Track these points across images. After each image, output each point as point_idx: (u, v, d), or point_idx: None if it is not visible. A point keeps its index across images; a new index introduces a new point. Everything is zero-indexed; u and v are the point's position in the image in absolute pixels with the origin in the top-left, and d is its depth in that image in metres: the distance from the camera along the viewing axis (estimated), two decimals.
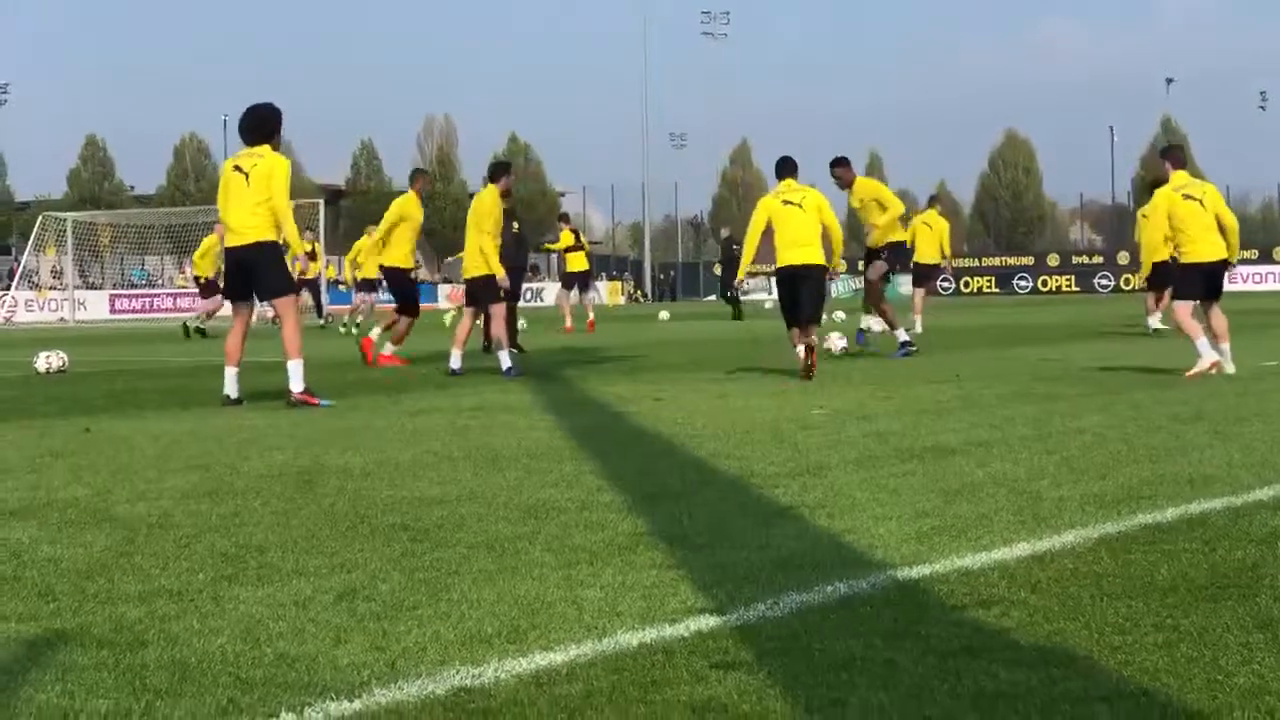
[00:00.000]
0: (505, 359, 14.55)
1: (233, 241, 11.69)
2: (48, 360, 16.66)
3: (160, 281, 71.20)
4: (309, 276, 37.54)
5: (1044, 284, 72.40)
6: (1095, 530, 5.34)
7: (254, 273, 11.66)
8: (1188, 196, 13.25)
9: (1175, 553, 4.91)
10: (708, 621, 4.09)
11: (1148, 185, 23.85)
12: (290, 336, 11.55)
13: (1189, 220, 13.15)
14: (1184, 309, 13.03)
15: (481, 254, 14.58)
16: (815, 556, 4.98)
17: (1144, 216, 22.92)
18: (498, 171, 15.42)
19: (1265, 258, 69.58)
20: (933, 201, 26.49)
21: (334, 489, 6.79)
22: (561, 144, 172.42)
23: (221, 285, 32.94)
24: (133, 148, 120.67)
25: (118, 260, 69.65)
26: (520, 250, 20.89)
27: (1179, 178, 13.44)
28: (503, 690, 3.51)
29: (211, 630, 4.11)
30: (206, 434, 9.38)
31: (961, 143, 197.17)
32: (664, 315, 30.22)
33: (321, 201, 49.64)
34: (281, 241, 11.65)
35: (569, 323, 27.78)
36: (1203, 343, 12.61)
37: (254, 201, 11.48)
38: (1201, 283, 13.23)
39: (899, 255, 17.73)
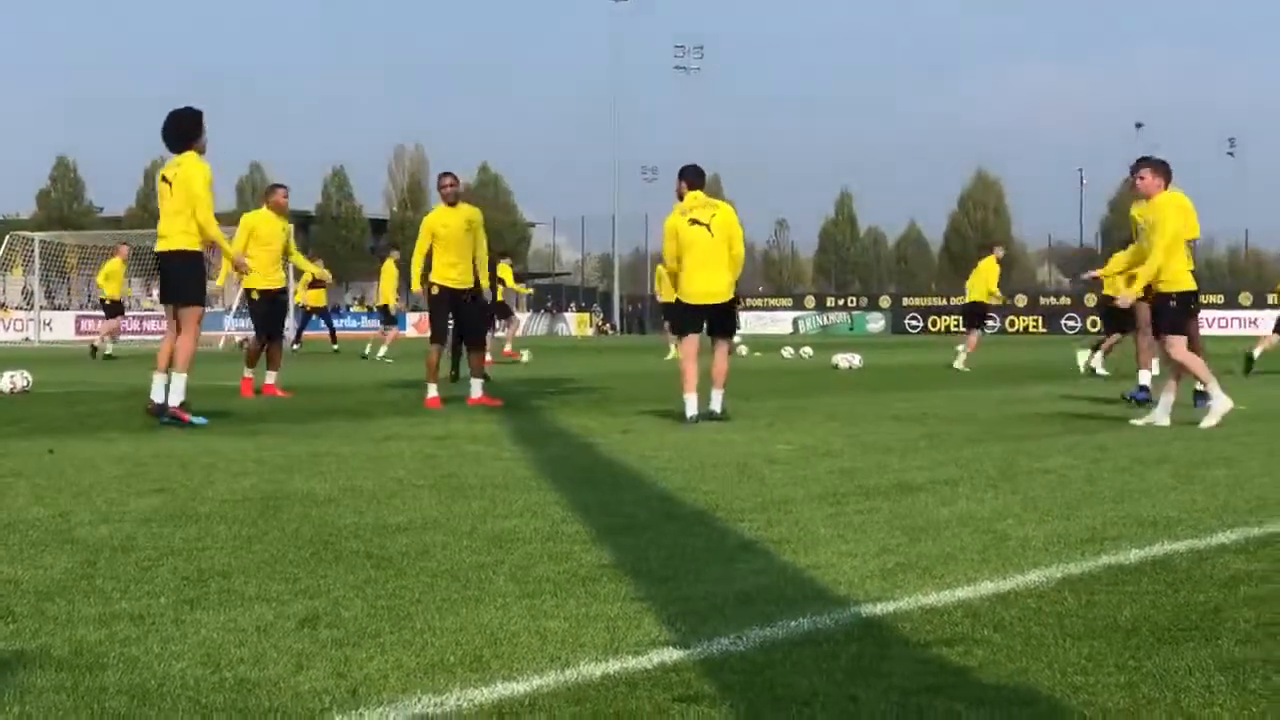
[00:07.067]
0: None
1: (158, 248, 11.89)
2: (11, 380, 16.58)
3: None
4: (321, 305, 36.12)
5: (1011, 324, 72.71)
6: (1059, 570, 5.35)
7: (167, 278, 11.91)
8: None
9: (1138, 594, 4.92)
10: (671, 654, 4.08)
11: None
12: (184, 348, 11.72)
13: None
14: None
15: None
16: (779, 591, 4.97)
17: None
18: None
19: (1230, 303, 70.03)
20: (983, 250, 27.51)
21: (298, 515, 6.76)
22: (532, 176, 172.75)
23: (125, 307, 32.85)
24: (103, 169, 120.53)
25: (85, 281, 69.27)
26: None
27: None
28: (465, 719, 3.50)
29: (172, 654, 4.08)
30: (171, 457, 9.33)
31: (932, 182, 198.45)
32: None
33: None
34: (207, 249, 11.87)
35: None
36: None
37: (174, 209, 11.69)
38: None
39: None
